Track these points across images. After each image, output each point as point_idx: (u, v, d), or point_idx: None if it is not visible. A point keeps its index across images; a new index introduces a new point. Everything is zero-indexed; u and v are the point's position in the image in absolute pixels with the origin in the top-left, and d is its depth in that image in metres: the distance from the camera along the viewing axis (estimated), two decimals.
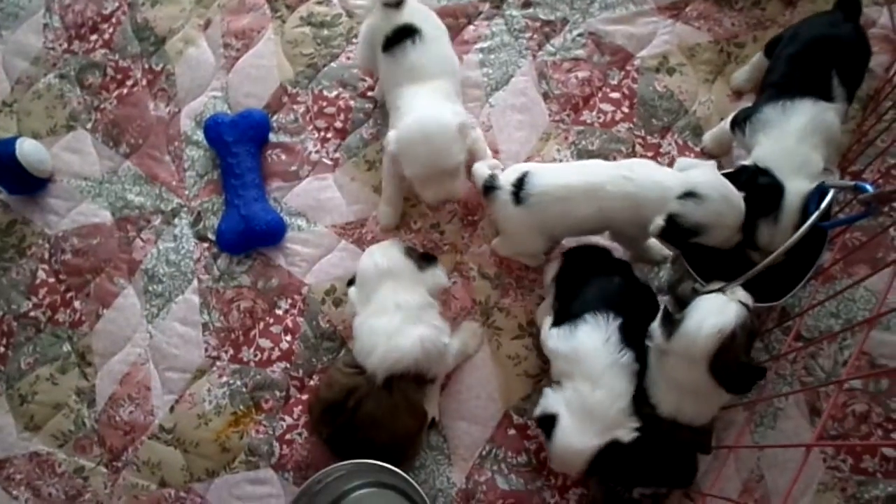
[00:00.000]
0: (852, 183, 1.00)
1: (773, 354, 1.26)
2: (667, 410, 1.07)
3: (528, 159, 1.43)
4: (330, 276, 1.39)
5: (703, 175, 1.09)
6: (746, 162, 1.16)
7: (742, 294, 1.03)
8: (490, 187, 1.23)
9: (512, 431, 1.28)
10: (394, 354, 1.14)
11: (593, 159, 1.37)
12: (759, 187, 1.10)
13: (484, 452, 1.28)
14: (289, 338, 1.37)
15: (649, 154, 1.42)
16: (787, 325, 1.28)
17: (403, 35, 1.27)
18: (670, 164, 1.33)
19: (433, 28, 1.32)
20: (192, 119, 1.55)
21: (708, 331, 0.98)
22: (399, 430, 1.19)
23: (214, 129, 1.46)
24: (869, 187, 0.98)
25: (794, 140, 1.13)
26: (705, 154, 1.41)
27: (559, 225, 1.22)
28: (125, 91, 1.61)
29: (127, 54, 1.64)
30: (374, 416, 1.15)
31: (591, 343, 1.09)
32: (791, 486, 0.96)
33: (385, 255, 1.21)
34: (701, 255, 1.14)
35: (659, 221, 1.08)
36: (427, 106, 1.23)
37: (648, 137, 1.43)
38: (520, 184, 1.20)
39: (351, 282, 1.24)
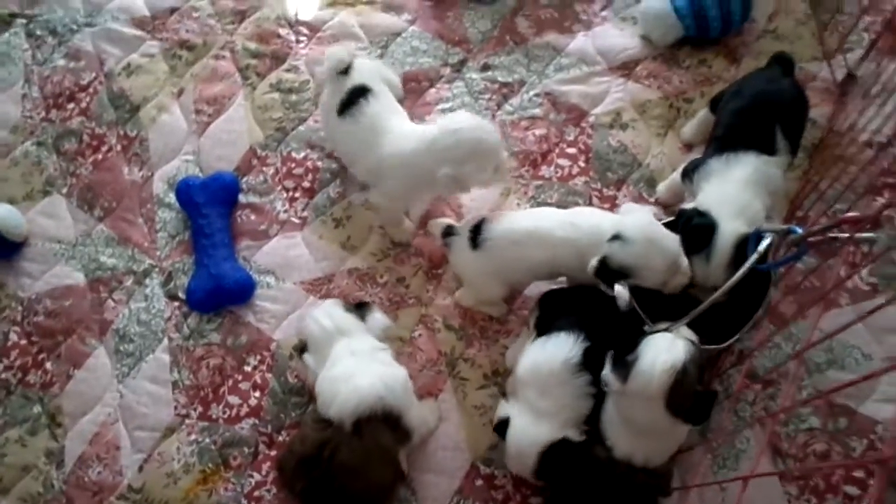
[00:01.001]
0: (785, 227, 1.06)
1: (730, 394, 1.29)
2: (623, 451, 1.10)
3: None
4: (298, 333, 1.43)
5: (633, 219, 1.16)
6: (688, 205, 1.23)
7: (687, 332, 1.08)
8: (448, 234, 1.31)
9: (479, 482, 1.30)
10: (355, 396, 1.16)
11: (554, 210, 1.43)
12: (692, 226, 1.17)
13: None
14: (257, 394, 1.40)
15: (606, 206, 1.48)
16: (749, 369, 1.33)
17: (357, 95, 1.35)
18: None
19: (379, 83, 1.41)
20: (164, 182, 1.61)
21: (662, 368, 1.02)
22: (374, 477, 1.20)
23: (185, 192, 1.52)
24: (798, 230, 1.04)
25: (735, 188, 1.20)
26: (660, 204, 1.47)
27: (515, 269, 1.27)
28: (100, 157, 1.67)
29: (102, 122, 1.71)
30: (348, 464, 1.16)
31: (552, 357, 1.14)
32: None
33: (329, 315, 1.26)
34: (649, 296, 1.20)
35: (593, 262, 1.14)
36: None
37: (605, 190, 1.50)
38: (477, 230, 1.26)
39: (302, 349, 1.30)
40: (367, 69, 1.41)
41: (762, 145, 1.23)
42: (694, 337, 1.09)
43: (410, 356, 1.38)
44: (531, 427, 1.11)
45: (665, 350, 1.04)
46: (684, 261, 1.16)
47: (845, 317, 1.37)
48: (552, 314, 1.25)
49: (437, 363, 1.39)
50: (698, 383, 1.05)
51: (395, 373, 1.22)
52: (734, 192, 1.19)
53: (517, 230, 1.24)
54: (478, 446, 1.32)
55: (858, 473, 1.27)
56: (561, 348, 1.15)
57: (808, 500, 1.26)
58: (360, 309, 1.30)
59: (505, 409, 1.17)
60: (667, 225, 1.20)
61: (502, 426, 1.14)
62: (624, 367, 1.06)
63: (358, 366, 1.20)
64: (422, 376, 1.37)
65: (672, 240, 1.15)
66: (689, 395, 1.03)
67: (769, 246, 1.09)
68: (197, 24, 1.78)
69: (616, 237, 1.13)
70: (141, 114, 1.70)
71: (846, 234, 0.94)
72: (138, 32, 1.79)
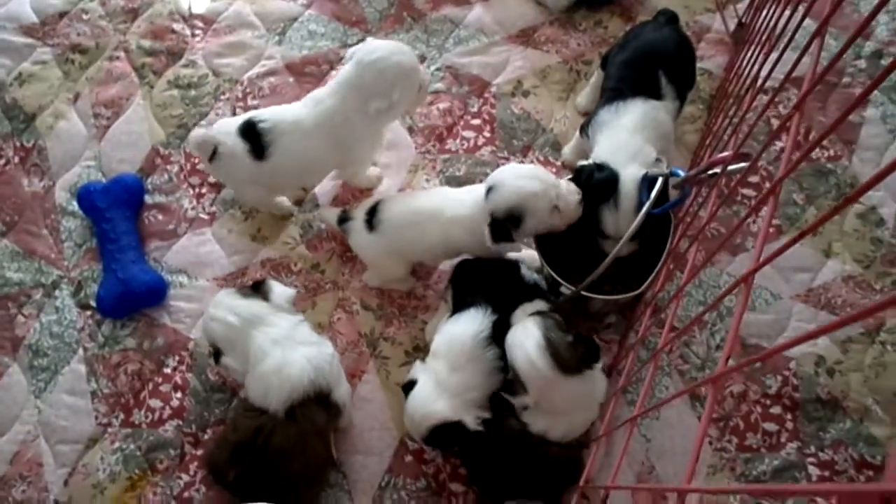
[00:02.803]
0: (668, 171, 1.10)
1: (648, 346, 1.34)
2: (538, 428, 1.14)
3: (401, 191, 1.52)
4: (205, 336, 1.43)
5: (499, 170, 1.21)
6: (586, 162, 1.27)
7: (532, 306, 1.16)
8: (344, 219, 1.33)
9: (409, 458, 1.33)
10: (287, 385, 1.18)
11: (446, 187, 1.46)
12: (595, 180, 1.21)
13: (383, 483, 1.32)
14: (179, 395, 1.40)
15: None
16: (661, 318, 1.38)
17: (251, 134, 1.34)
18: None
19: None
20: (66, 191, 1.59)
21: (536, 355, 1.07)
22: (309, 457, 1.21)
23: (87, 198, 1.51)
24: (680, 172, 1.09)
25: (626, 134, 1.24)
26: (566, 167, 1.51)
27: (412, 250, 1.31)
28: None
29: None
30: (283, 447, 1.17)
31: (463, 333, 1.18)
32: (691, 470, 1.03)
33: (230, 310, 1.23)
34: (558, 255, 1.23)
35: (486, 230, 1.16)
36: None
37: (511, 158, 1.53)
38: (372, 212, 1.28)
39: (216, 354, 1.26)
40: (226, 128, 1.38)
41: (648, 91, 1.28)
42: (541, 305, 1.17)
43: (331, 340, 1.40)
44: (431, 399, 1.13)
45: (525, 339, 1.10)
46: (565, 191, 1.18)
47: (750, 260, 1.43)
48: (464, 288, 1.29)
49: (358, 345, 1.41)
50: (568, 335, 1.11)
51: (322, 351, 1.24)
52: (626, 138, 1.24)
53: (409, 211, 1.28)
54: (404, 423, 1.34)
55: (776, 409, 1.33)
56: (471, 324, 1.18)
57: (730, 440, 1.31)
58: (258, 290, 1.28)
59: (416, 371, 1.20)
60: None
61: (409, 387, 1.18)
62: (513, 384, 1.12)
63: (285, 354, 1.20)
64: (344, 359, 1.38)
65: (541, 170, 1.19)
66: (570, 351, 1.08)
67: (664, 188, 1.13)
68: (88, 26, 1.76)
69: (489, 189, 1.18)
70: (37, 123, 1.68)
71: (718, 171, 0.98)
72: (28, 40, 1.77)
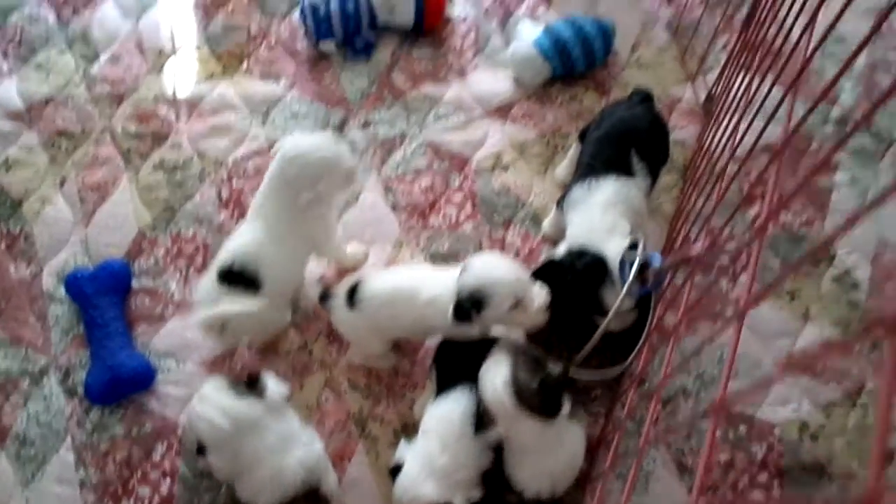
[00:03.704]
0: (643, 259, 1.16)
1: (635, 418, 1.38)
2: (531, 489, 1.17)
3: (386, 267, 1.56)
4: (189, 429, 1.45)
5: (478, 255, 1.27)
6: (561, 247, 1.32)
7: (509, 343, 1.22)
8: (325, 297, 1.38)
9: None
10: (280, 490, 1.21)
11: (425, 266, 1.52)
12: (584, 267, 1.25)
13: None
14: (168, 481, 1.42)
15: (496, 248, 1.57)
16: (646, 390, 1.42)
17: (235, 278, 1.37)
18: (517, 255, 1.50)
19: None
20: (53, 277, 1.63)
21: (500, 389, 1.12)
22: None
23: (75, 285, 1.54)
24: (658, 259, 1.14)
25: (599, 211, 1.30)
26: (546, 240, 1.57)
27: (392, 327, 1.35)
28: None
29: None
30: None
31: (451, 412, 1.21)
32: None
33: (223, 412, 1.21)
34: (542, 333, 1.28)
35: (449, 308, 1.21)
36: None
37: (493, 232, 1.59)
38: (353, 291, 1.33)
39: (200, 450, 1.24)
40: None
41: (620, 168, 1.34)
42: (518, 342, 1.23)
43: (319, 422, 1.43)
44: (419, 481, 1.16)
45: (493, 372, 1.15)
46: (533, 292, 1.22)
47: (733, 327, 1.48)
48: (447, 368, 1.33)
49: (347, 425, 1.43)
50: (539, 377, 1.15)
51: (312, 449, 1.26)
52: (599, 216, 1.29)
53: (388, 290, 1.31)
54: None
55: (762, 477, 1.37)
56: (458, 403, 1.22)
57: None
58: (252, 386, 1.28)
59: (402, 451, 1.23)
60: (539, 273, 1.30)
61: (396, 470, 1.20)
62: (481, 413, 1.17)
63: (280, 461, 1.22)
64: (332, 440, 1.41)
65: (514, 266, 1.23)
66: (533, 393, 1.13)
67: (642, 269, 1.18)
68: (74, 112, 1.81)
69: (462, 270, 1.22)
70: (24, 208, 1.72)
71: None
72: (14, 125, 1.82)
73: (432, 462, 1.18)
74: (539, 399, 1.13)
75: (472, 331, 1.26)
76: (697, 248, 0.97)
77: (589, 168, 1.37)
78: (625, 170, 1.34)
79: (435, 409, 1.26)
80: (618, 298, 1.20)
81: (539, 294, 1.22)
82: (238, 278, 1.35)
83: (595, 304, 1.26)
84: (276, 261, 1.38)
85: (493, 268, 1.21)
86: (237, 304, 1.33)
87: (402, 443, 1.26)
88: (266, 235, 1.37)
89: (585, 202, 1.32)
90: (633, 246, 1.22)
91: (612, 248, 1.24)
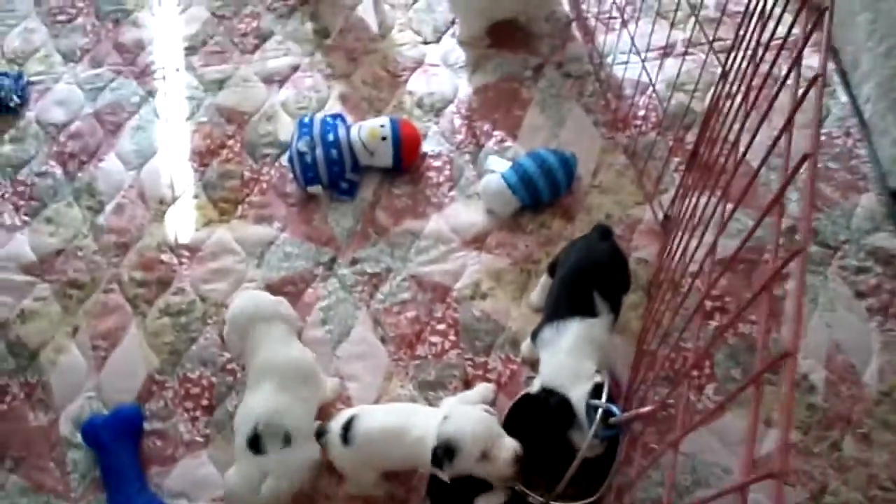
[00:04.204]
0: (606, 406, 1.31)
1: None
2: None
3: (378, 399, 1.70)
4: None
5: (462, 406, 1.45)
6: (536, 382, 1.47)
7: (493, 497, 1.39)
8: (320, 434, 1.52)
9: None
10: None
11: (414, 404, 1.67)
12: (551, 408, 1.40)
13: None
14: None
15: (479, 373, 1.71)
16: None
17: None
18: (497, 378, 1.64)
19: None
20: (70, 422, 1.76)
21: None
22: None
23: (91, 433, 1.68)
24: (616, 411, 1.29)
25: (565, 355, 1.45)
26: (525, 363, 1.71)
27: (385, 461, 1.49)
28: (5, 407, 1.81)
29: (3, 371, 1.86)
30: None
31: None
32: None
33: None
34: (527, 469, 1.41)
35: (428, 439, 1.36)
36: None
37: (476, 358, 1.74)
38: (347, 426, 1.47)
39: None
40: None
41: (583, 310, 1.49)
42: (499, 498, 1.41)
43: None
44: None
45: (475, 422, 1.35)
46: (502, 445, 1.36)
47: (702, 438, 1.62)
48: (441, 499, 1.46)
49: None
50: None
51: None
52: (565, 359, 1.44)
53: (378, 428, 1.46)
54: None
55: None
56: None
57: None
58: None
59: None
60: (518, 406, 1.45)
61: None
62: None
63: None
64: None
65: (489, 417, 1.39)
66: None
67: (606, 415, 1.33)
68: (83, 262, 1.97)
69: (443, 418, 1.37)
70: (41, 358, 1.86)
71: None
72: (28, 278, 1.98)
73: None
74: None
75: (451, 473, 1.39)
76: (648, 409, 1.12)
77: (555, 311, 1.52)
78: (588, 311, 1.49)
79: None
80: (585, 440, 1.34)
81: (507, 448, 1.36)
82: (267, 440, 1.47)
83: (564, 444, 1.40)
84: (297, 413, 1.53)
85: (468, 422, 1.36)
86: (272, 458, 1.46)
87: None
88: (284, 398, 1.52)
89: (554, 344, 1.47)
90: (597, 387, 1.36)
91: (577, 393, 1.38)
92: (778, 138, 0.87)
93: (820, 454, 1.60)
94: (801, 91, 0.78)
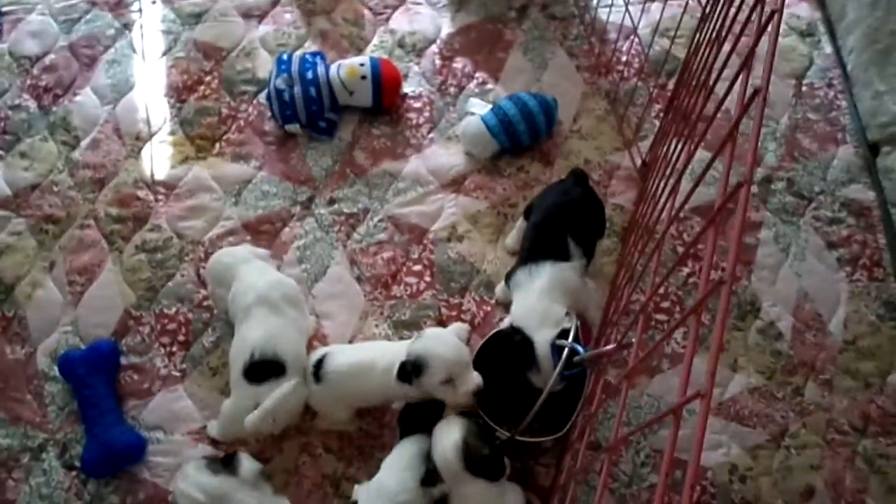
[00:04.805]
0: (571, 345, 1.35)
1: (574, 466, 1.56)
2: None
3: (353, 339, 1.74)
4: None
5: (435, 329, 1.52)
6: (504, 323, 1.51)
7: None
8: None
9: None
10: None
11: (383, 341, 1.72)
12: (514, 345, 1.44)
13: None
14: None
15: (453, 314, 1.75)
16: (593, 441, 1.60)
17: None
18: (472, 320, 1.68)
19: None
20: (47, 356, 1.79)
21: (451, 453, 1.33)
22: None
23: (67, 367, 1.71)
24: (581, 350, 1.33)
25: (536, 297, 1.49)
26: (499, 304, 1.75)
27: (355, 396, 1.55)
28: None
29: None
30: None
31: (406, 450, 1.43)
32: None
33: (199, 486, 1.40)
34: (491, 400, 1.46)
35: (396, 365, 1.42)
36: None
37: (450, 299, 1.77)
38: (319, 364, 1.52)
39: None
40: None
41: (557, 254, 1.52)
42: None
43: (297, 485, 1.60)
44: None
45: (446, 436, 1.36)
46: (467, 377, 1.42)
47: (669, 380, 1.67)
48: (410, 428, 1.52)
49: (322, 486, 1.61)
50: (485, 443, 1.37)
51: None
52: (536, 301, 1.48)
53: (349, 364, 1.51)
54: None
55: None
56: (412, 444, 1.44)
57: None
58: (228, 464, 1.47)
59: (358, 491, 1.44)
60: (489, 342, 1.49)
61: None
62: (431, 475, 1.36)
63: None
64: (310, 501, 1.59)
65: (461, 346, 1.44)
66: (481, 458, 1.34)
67: (572, 352, 1.37)
68: (59, 197, 1.98)
69: (416, 337, 1.44)
70: (16, 292, 1.88)
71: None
72: (3, 213, 1.98)
73: (383, 490, 1.37)
74: (484, 463, 1.33)
75: (414, 393, 1.45)
76: (609, 348, 1.16)
77: (529, 253, 1.56)
78: (561, 255, 1.52)
79: (392, 453, 1.47)
80: (545, 380, 1.39)
81: (470, 381, 1.41)
82: (263, 369, 1.52)
83: (525, 382, 1.45)
84: (290, 338, 1.57)
85: (441, 343, 1.42)
86: (279, 392, 1.48)
87: (356, 487, 1.46)
88: (275, 321, 1.57)
89: (526, 286, 1.51)
90: (565, 332, 1.40)
91: (542, 336, 1.43)
92: (735, 78, 0.87)
93: (783, 398, 1.66)
94: (765, 30, 0.78)
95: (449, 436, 1.36)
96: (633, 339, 1.06)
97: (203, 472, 1.44)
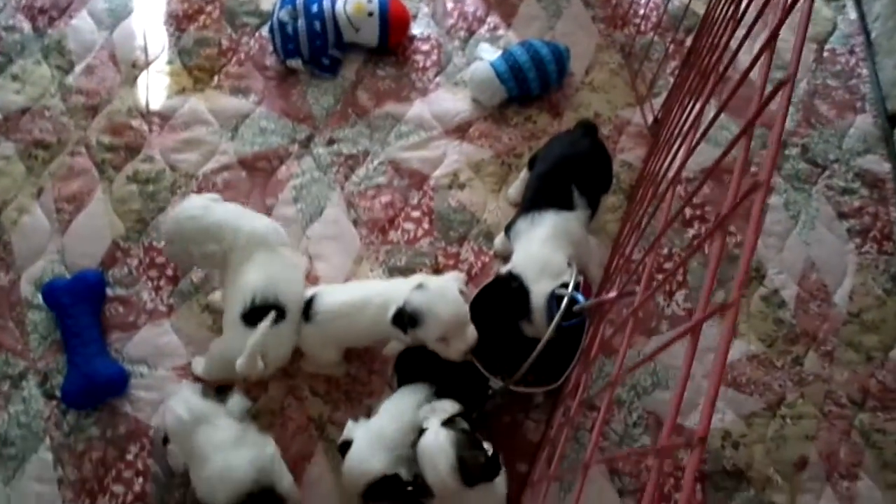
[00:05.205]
0: (571, 294, 1.31)
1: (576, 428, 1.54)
2: None
3: (346, 282, 1.70)
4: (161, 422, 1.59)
5: (437, 278, 1.43)
6: (504, 269, 1.47)
7: (442, 406, 1.34)
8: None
9: None
10: (231, 488, 1.35)
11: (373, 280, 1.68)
12: (510, 293, 1.41)
13: None
14: (141, 480, 1.57)
15: (451, 262, 1.71)
16: (585, 398, 1.57)
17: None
18: (469, 270, 1.64)
19: None
20: (31, 284, 1.75)
21: (447, 472, 1.23)
22: None
23: (51, 295, 1.67)
24: (581, 299, 1.29)
25: (538, 246, 1.44)
26: (497, 256, 1.72)
27: (345, 337, 1.52)
28: None
29: None
30: None
31: (406, 398, 1.41)
32: None
33: (185, 406, 1.41)
34: (486, 349, 1.43)
35: (392, 309, 1.38)
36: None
37: (448, 248, 1.73)
38: (309, 304, 1.48)
39: (165, 439, 1.45)
40: None
41: (560, 203, 1.48)
42: (453, 407, 1.35)
43: (282, 426, 1.58)
44: (367, 456, 1.33)
45: (437, 453, 1.25)
46: (462, 334, 1.38)
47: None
48: (407, 373, 1.49)
49: (308, 429, 1.59)
50: (477, 452, 1.28)
51: (261, 452, 1.41)
52: (537, 250, 1.44)
53: (342, 302, 1.47)
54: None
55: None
56: (415, 395, 1.40)
57: None
58: (220, 393, 1.47)
59: (350, 430, 1.39)
60: (486, 289, 1.46)
61: (345, 447, 1.36)
62: (419, 486, 1.28)
63: (227, 458, 1.37)
64: (294, 443, 1.56)
65: (462, 304, 1.38)
66: (477, 467, 1.26)
67: (571, 301, 1.33)
68: (50, 122, 1.92)
69: (419, 286, 1.38)
70: (2, 217, 1.83)
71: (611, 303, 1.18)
72: None
73: (382, 436, 1.34)
74: (483, 471, 1.27)
75: (405, 339, 1.42)
76: (611, 296, 1.12)
77: (532, 202, 1.51)
78: (565, 204, 1.48)
79: (391, 398, 1.43)
80: (538, 331, 1.37)
81: (466, 339, 1.38)
82: (262, 314, 1.45)
83: (516, 332, 1.42)
84: (291, 282, 1.53)
85: (442, 301, 1.36)
86: (261, 329, 1.42)
87: (350, 423, 1.41)
88: (269, 257, 1.51)
89: (528, 235, 1.47)
90: (564, 285, 1.36)
91: (539, 288, 1.39)
92: (758, 55, 0.81)
93: (782, 367, 1.64)
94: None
95: (441, 457, 1.24)
96: (637, 289, 1.02)
97: (194, 394, 1.44)
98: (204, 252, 1.49)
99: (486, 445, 1.31)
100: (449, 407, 1.34)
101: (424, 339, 1.38)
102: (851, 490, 1.54)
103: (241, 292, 1.47)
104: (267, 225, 1.56)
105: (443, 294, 1.37)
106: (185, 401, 1.42)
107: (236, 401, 1.46)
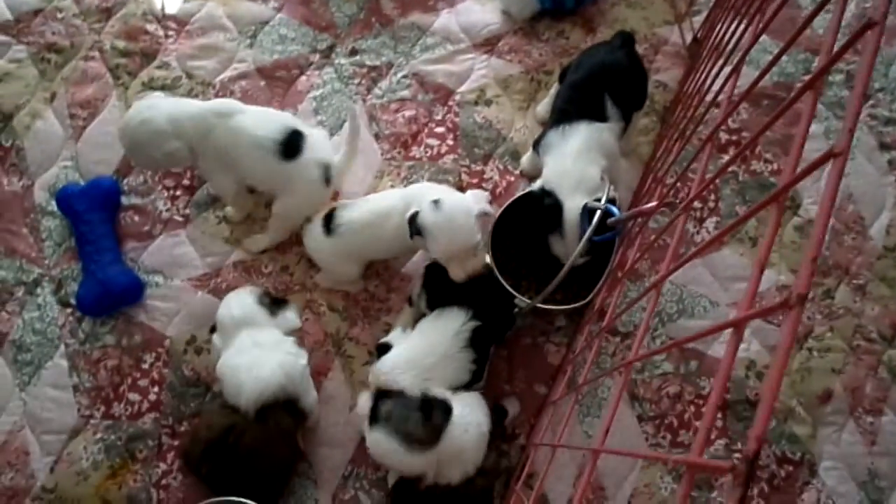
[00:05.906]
0: (604, 206, 1.27)
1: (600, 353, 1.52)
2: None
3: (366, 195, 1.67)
4: (190, 327, 1.60)
5: (457, 196, 1.39)
6: (536, 185, 1.43)
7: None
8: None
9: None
10: (258, 385, 1.36)
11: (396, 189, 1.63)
12: (543, 208, 1.37)
13: (346, 473, 1.51)
14: (156, 389, 1.58)
15: (474, 181, 1.68)
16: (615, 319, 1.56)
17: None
18: (493, 189, 1.61)
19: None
20: (45, 190, 1.74)
21: (400, 453, 1.26)
22: (276, 457, 1.41)
23: (65, 201, 1.66)
24: (615, 210, 1.26)
25: (571, 159, 1.39)
26: (524, 176, 1.68)
27: (369, 249, 1.51)
28: None
29: None
30: (252, 447, 1.36)
31: (446, 328, 1.37)
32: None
33: (239, 304, 1.45)
34: (513, 266, 1.41)
35: (412, 210, 1.36)
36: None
37: (472, 166, 1.69)
38: (329, 217, 1.46)
39: (213, 329, 1.48)
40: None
41: (593, 114, 1.43)
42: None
43: (300, 340, 1.57)
44: (399, 371, 1.33)
45: (383, 444, 1.27)
46: (478, 257, 1.36)
47: (694, 269, 1.62)
48: (437, 290, 1.46)
49: (325, 344, 1.58)
50: (413, 410, 1.28)
51: (294, 361, 1.42)
52: (570, 163, 1.39)
53: (365, 212, 1.46)
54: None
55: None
56: (454, 321, 1.38)
57: (664, 436, 1.51)
58: (275, 304, 1.48)
59: (394, 337, 1.41)
60: (516, 203, 1.42)
61: (383, 349, 1.38)
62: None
63: (260, 356, 1.39)
64: (312, 358, 1.56)
65: (470, 231, 1.34)
66: (423, 428, 1.26)
67: (604, 215, 1.30)
68: (62, 25, 1.88)
69: (435, 202, 1.34)
70: (14, 122, 1.81)
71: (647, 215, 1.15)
72: (2, 37, 1.88)
73: (417, 360, 1.34)
74: (431, 425, 1.26)
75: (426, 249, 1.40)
76: (651, 205, 1.08)
77: (563, 113, 1.46)
78: (598, 115, 1.43)
79: (434, 318, 1.41)
80: (570, 249, 1.33)
81: (470, 265, 1.35)
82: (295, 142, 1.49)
83: (545, 247, 1.39)
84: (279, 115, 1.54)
85: (448, 226, 1.33)
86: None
87: (398, 329, 1.44)
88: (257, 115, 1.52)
89: (559, 147, 1.42)
90: (598, 200, 1.33)
91: (573, 203, 1.35)
92: None
93: (812, 299, 1.61)
94: None
95: (384, 443, 1.27)
96: (677, 200, 0.98)
97: (250, 296, 1.47)
98: (166, 152, 1.46)
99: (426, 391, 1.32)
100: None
101: (433, 254, 1.37)
102: (875, 425, 1.53)
103: (265, 130, 1.48)
104: (220, 101, 1.54)
105: (451, 219, 1.33)
106: (240, 300, 1.45)
107: (289, 317, 1.49)
